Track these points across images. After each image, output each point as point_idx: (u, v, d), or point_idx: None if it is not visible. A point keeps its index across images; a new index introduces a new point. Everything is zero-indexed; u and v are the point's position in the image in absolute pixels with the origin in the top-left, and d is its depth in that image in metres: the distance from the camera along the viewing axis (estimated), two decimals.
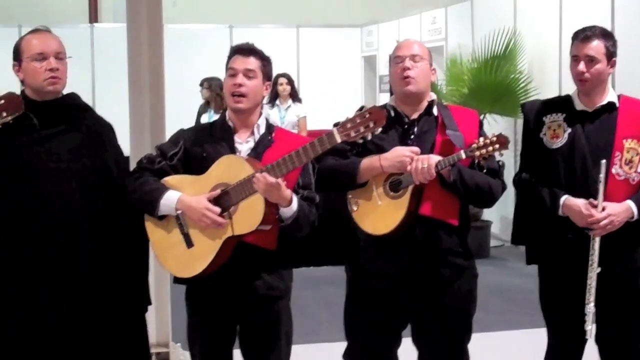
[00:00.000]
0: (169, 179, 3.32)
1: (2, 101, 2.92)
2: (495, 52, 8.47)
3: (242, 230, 3.20)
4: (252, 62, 3.33)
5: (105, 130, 3.50)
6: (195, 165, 3.33)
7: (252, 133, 3.37)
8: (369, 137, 3.12)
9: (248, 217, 3.18)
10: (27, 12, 13.46)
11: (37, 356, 3.32)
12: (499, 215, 8.89)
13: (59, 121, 3.35)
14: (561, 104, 3.61)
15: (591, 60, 3.45)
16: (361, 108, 3.13)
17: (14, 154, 3.28)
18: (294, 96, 9.89)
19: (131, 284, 3.47)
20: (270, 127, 3.43)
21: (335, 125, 3.14)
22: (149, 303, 3.62)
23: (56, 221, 3.28)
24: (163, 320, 4.85)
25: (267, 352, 3.41)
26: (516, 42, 8.53)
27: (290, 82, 9.89)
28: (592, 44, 3.46)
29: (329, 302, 6.49)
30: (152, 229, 3.36)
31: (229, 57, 3.38)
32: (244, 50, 3.36)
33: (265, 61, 3.38)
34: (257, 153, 3.32)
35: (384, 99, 10.81)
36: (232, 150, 3.33)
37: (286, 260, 3.40)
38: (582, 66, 3.46)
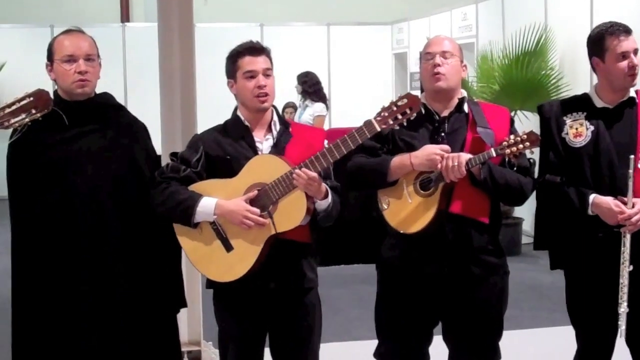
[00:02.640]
0: (197, 186, 3.29)
1: (31, 98, 2.97)
2: (526, 48, 8.40)
3: (285, 228, 3.20)
4: (267, 60, 3.34)
5: (138, 130, 3.50)
6: (218, 168, 3.31)
7: (269, 130, 3.38)
8: (405, 124, 3.14)
9: (290, 214, 3.19)
10: (59, 13, 13.58)
11: (64, 354, 3.34)
12: (531, 212, 8.74)
13: (90, 120, 3.36)
14: (580, 102, 3.57)
15: (637, 53, 3.44)
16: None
17: (44, 152, 3.31)
18: (310, 95, 9.73)
19: (163, 283, 3.47)
20: (285, 122, 3.44)
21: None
22: (184, 305, 3.61)
23: (85, 219, 3.29)
24: (194, 318, 4.85)
25: (303, 344, 3.42)
26: (547, 37, 8.45)
27: (301, 81, 9.75)
28: (631, 36, 3.44)
29: (360, 300, 6.48)
30: (184, 238, 3.33)
31: (237, 58, 3.33)
32: (255, 49, 3.34)
33: (270, 55, 3.38)
34: (278, 149, 3.32)
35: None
36: (254, 149, 3.32)
37: (317, 251, 3.43)
38: (636, 59, 3.42)
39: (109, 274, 3.32)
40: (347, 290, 6.93)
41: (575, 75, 8.23)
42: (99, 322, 3.33)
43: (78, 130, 3.34)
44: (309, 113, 9.65)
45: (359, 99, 12.58)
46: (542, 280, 7.29)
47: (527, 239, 8.75)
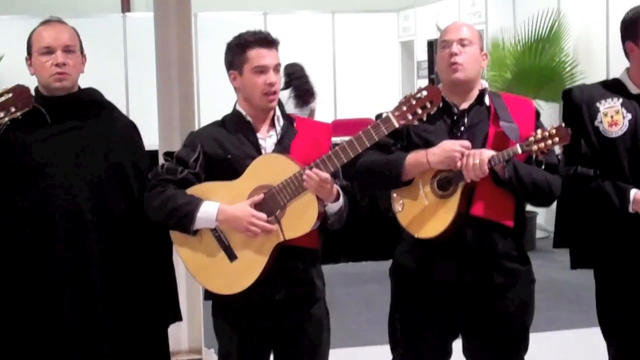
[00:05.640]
0: (196, 189, 3.04)
1: (10, 95, 2.71)
2: (539, 35, 8.23)
3: (295, 234, 2.96)
4: (277, 55, 3.10)
5: (124, 129, 3.24)
6: (218, 169, 3.05)
7: (273, 126, 3.14)
8: (425, 119, 2.92)
9: (301, 219, 2.95)
10: (59, 2, 13.39)
11: None
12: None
13: (70, 118, 3.11)
14: (614, 88, 3.33)
15: None
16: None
17: (22, 153, 3.06)
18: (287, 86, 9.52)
19: (152, 295, 3.22)
20: (289, 117, 3.20)
21: (378, 116, 2.92)
22: (179, 318, 3.38)
23: (63, 226, 3.05)
24: (195, 326, 4.71)
25: (313, 356, 3.20)
26: (561, 23, 8.27)
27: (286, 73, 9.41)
28: None
29: (369, 301, 6.19)
30: (182, 247, 3.07)
31: (245, 48, 3.05)
32: (268, 42, 3.08)
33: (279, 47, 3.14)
34: (283, 146, 3.08)
35: (421, 85, 10.64)
36: (257, 147, 3.08)
37: (324, 256, 3.22)
38: None
39: (90, 286, 3.08)
40: (355, 290, 6.60)
41: (591, 63, 8.08)
42: (81, 338, 3.08)
43: (57, 128, 3.09)
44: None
45: (364, 89, 12.53)
46: (558, 277, 7.02)
47: (541, 233, 8.59)
